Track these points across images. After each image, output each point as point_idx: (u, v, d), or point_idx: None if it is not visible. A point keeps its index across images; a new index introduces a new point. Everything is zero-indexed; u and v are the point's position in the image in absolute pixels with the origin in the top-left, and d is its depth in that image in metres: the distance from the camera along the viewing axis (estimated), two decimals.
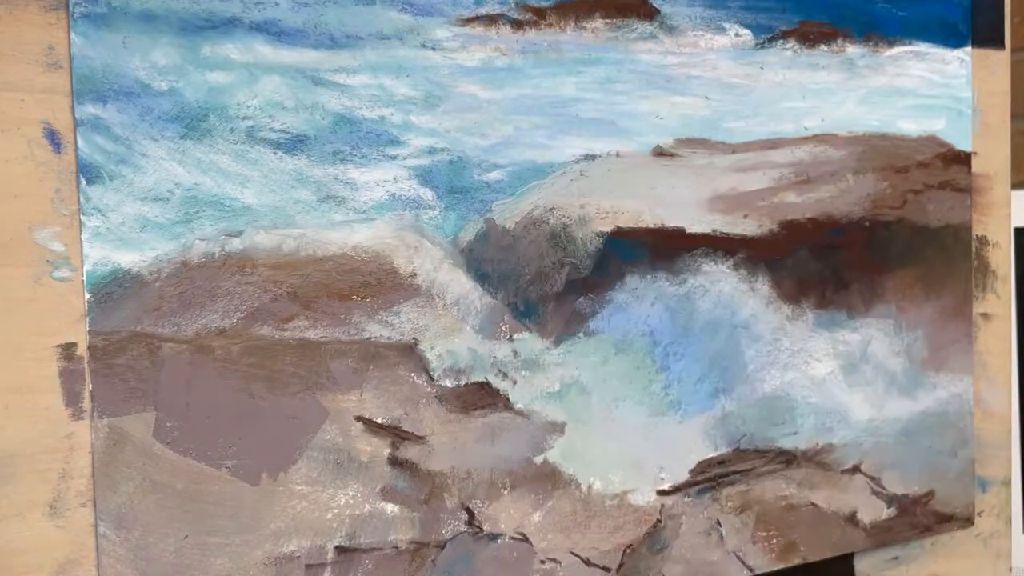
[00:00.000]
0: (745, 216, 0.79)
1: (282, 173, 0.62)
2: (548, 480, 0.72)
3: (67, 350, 0.57)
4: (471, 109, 0.68)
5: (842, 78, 0.83)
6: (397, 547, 0.67)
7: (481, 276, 0.69)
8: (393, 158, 0.65)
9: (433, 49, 0.67)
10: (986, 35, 0.92)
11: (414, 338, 0.67)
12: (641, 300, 0.75)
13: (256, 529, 0.62)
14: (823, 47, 0.82)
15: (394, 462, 0.67)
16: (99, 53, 0.57)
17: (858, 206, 0.85)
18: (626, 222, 0.74)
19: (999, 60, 0.93)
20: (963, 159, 0.91)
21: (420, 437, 0.67)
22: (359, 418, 0.65)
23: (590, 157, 0.72)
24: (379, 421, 0.66)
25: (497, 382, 0.70)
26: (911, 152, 0.87)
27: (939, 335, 0.90)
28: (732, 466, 0.80)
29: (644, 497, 0.76)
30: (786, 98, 0.81)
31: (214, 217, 0.60)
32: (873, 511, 0.87)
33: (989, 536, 0.96)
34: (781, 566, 0.83)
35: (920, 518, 0.90)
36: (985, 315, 0.94)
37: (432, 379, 0.67)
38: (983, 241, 0.94)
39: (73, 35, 0.56)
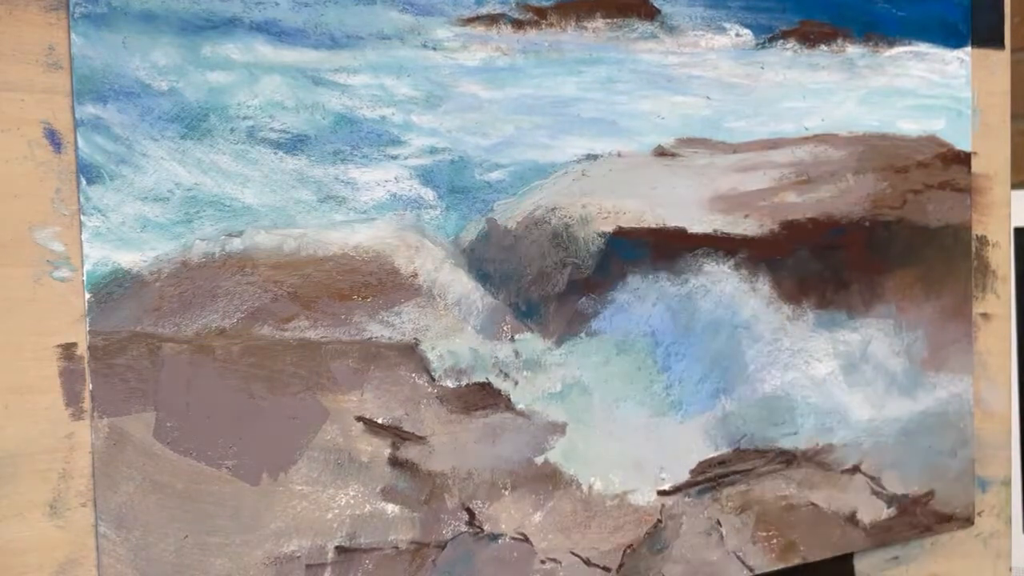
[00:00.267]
0: (746, 216, 0.79)
1: (283, 173, 0.62)
2: (549, 480, 0.72)
3: (67, 350, 0.57)
4: (472, 109, 0.68)
5: (842, 78, 0.83)
6: (397, 547, 0.67)
7: (482, 276, 0.69)
8: (394, 158, 0.65)
9: (434, 49, 0.66)
10: (986, 35, 0.92)
11: (415, 338, 0.67)
12: (643, 300, 0.75)
13: (256, 529, 0.62)
14: (823, 47, 0.82)
15: (395, 462, 0.67)
16: (99, 53, 0.57)
17: (858, 206, 0.85)
18: (628, 222, 0.74)
19: (999, 60, 0.93)
20: (963, 159, 0.91)
21: (421, 437, 0.67)
22: (360, 418, 0.65)
23: (591, 157, 0.72)
24: (380, 421, 0.66)
25: (498, 382, 0.70)
26: (911, 152, 0.87)
27: (939, 335, 0.90)
28: (732, 466, 0.80)
29: (644, 497, 0.76)
30: (786, 98, 0.81)
31: (214, 217, 0.60)
32: (873, 511, 0.87)
33: (989, 536, 0.96)
34: (781, 566, 0.83)
35: (920, 518, 0.90)
36: (985, 315, 0.94)
37: (433, 379, 0.67)
38: (983, 241, 0.94)
39: (73, 35, 0.56)
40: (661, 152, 0.75)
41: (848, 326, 0.85)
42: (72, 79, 0.56)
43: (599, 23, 0.72)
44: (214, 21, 0.60)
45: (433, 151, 0.67)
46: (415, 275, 0.67)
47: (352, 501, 0.65)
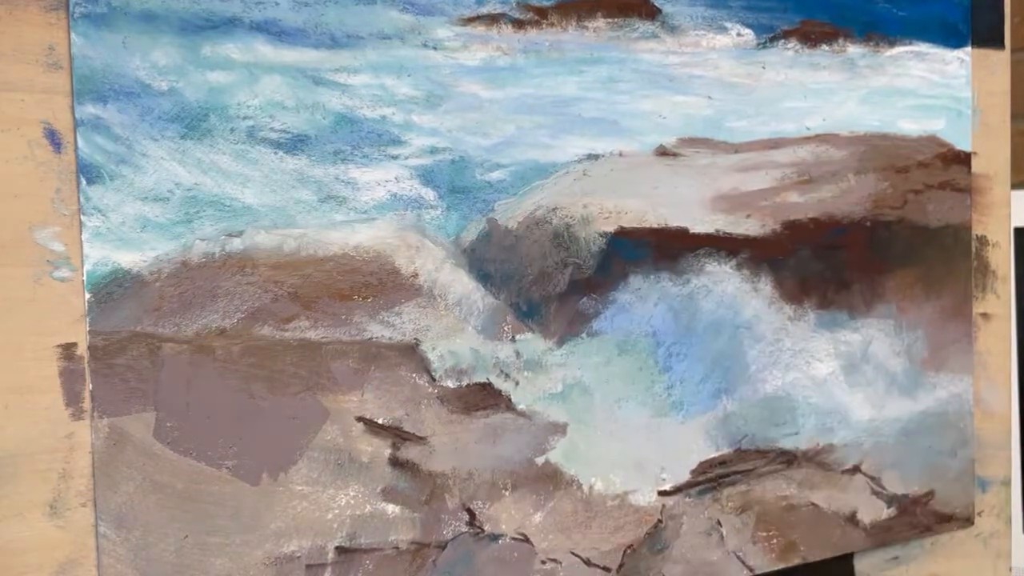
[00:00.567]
0: (748, 216, 0.79)
1: (283, 173, 0.62)
2: (549, 481, 0.72)
3: (67, 350, 0.57)
4: (473, 109, 0.68)
5: (843, 78, 0.83)
6: (398, 547, 0.67)
7: (483, 276, 0.69)
8: (395, 158, 0.65)
9: (434, 48, 0.66)
10: (986, 35, 0.92)
11: (416, 338, 0.67)
12: (644, 300, 0.75)
13: (256, 529, 0.62)
14: (824, 47, 0.82)
15: (395, 463, 0.66)
16: (99, 53, 0.57)
17: (859, 206, 0.85)
18: (629, 222, 0.74)
19: (999, 60, 0.93)
20: (963, 159, 0.91)
21: (421, 438, 0.67)
22: (360, 419, 0.65)
23: (593, 157, 0.72)
24: (380, 422, 0.66)
25: (499, 383, 0.70)
26: (911, 152, 0.87)
27: (939, 335, 0.90)
28: (733, 466, 0.80)
29: (645, 497, 0.76)
30: (788, 98, 0.80)
31: (214, 217, 0.60)
32: (873, 511, 0.87)
33: (989, 536, 0.96)
34: (781, 566, 0.83)
35: (920, 518, 0.90)
36: (985, 315, 0.94)
37: (434, 380, 0.67)
38: (983, 241, 0.94)
39: (73, 35, 0.56)
40: (663, 152, 0.75)
41: (849, 326, 0.85)
42: (72, 79, 0.56)
43: (600, 23, 0.72)
44: (214, 21, 0.60)
45: (434, 151, 0.67)
46: (416, 275, 0.66)
47: (352, 501, 0.65)
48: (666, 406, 0.76)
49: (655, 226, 0.75)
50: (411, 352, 0.67)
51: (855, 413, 0.86)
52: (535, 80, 0.70)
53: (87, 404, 0.57)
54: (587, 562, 0.74)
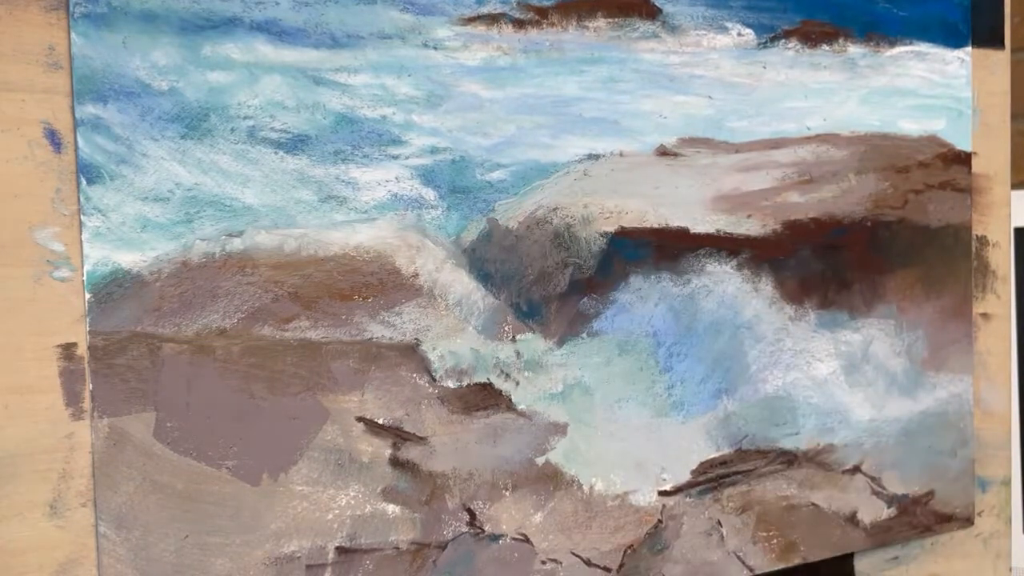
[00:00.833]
0: (749, 216, 0.79)
1: (283, 173, 0.62)
2: (550, 481, 0.72)
3: (67, 350, 0.57)
4: (473, 108, 0.68)
5: (844, 78, 0.83)
6: (398, 548, 0.67)
7: (484, 276, 0.69)
8: (395, 158, 0.65)
9: (435, 48, 0.66)
10: (986, 35, 0.92)
11: (416, 339, 0.67)
12: (645, 300, 0.75)
13: (256, 529, 0.62)
14: (825, 47, 0.82)
15: (395, 463, 0.66)
16: (99, 53, 0.57)
17: (860, 206, 0.85)
18: (630, 222, 0.74)
19: (999, 60, 0.93)
20: (963, 159, 0.91)
21: (422, 438, 0.67)
22: (360, 419, 0.65)
23: (593, 156, 0.72)
24: (380, 422, 0.66)
25: (499, 383, 0.70)
26: (912, 152, 0.87)
27: (939, 335, 0.90)
28: (734, 466, 0.80)
29: (645, 498, 0.76)
30: (788, 97, 0.80)
31: (215, 217, 0.60)
32: (873, 511, 0.87)
33: (989, 536, 0.96)
34: (781, 566, 0.83)
35: (920, 518, 0.90)
36: (985, 315, 0.94)
37: (434, 380, 0.67)
38: (983, 241, 0.94)
39: (73, 35, 0.56)
40: (663, 152, 0.75)
41: (850, 326, 0.85)
42: (72, 79, 0.56)
43: (600, 22, 0.72)
44: (214, 21, 0.60)
45: (434, 151, 0.67)
46: (416, 275, 0.66)
47: (353, 501, 0.65)
48: (667, 406, 0.76)
49: (656, 226, 0.75)
50: (411, 352, 0.66)
51: (855, 413, 0.86)
52: (536, 80, 0.70)
53: (87, 404, 0.57)
54: (587, 562, 0.74)
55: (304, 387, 0.63)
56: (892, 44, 0.86)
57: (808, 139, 0.82)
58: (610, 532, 0.74)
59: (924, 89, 0.88)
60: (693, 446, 0.78)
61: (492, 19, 0.68)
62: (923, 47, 0.87)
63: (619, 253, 0.74)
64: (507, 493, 0.70)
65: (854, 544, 0.87)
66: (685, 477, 0.78)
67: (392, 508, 0.66)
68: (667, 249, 0.75)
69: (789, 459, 0.82)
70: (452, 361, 0.68)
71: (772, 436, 0.81)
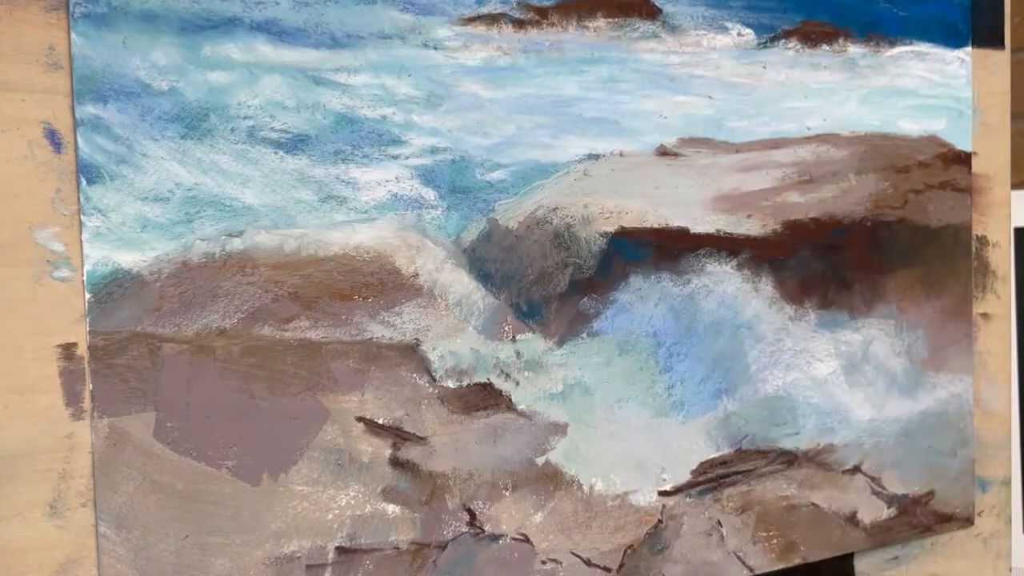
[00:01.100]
0: (749, 216, 0.79)
1: (283, 173, 0.62)
2: (550, 481, 0.72)
3: (67, 350, 0.57)
4: (473, 108, 0.68)
5: (844, 78, 0.83)
6: (398, 548, 0.67)
7: (484, 276, 0.69)
8: (395, 158, 0.65)
9: (435, 48, 0.66)
10: (986, 35, 0.92)
11: (416, 339, 0.67)
12: (645, 300, 0.75)
13: (256, 529, 0.62)
14: (825, 47, 0.82)
15: (395, 463, 0.66)
16: (99, 53, 0.57)
17: (860, 206, 0.85)
18: (630, 222, 0.74)
19: (999, 60, 0.93)
20: (963, 159, 0.91)
21: (422, 438, 0.67)
22: (360, 419, 0.65)
23: (593, 156, 0.72)
24: (380, 422, 0.66)
25: (499, 383, 0.70)
26: (912, 152, 0.87)
27: (939, 335, 0.90)
28: (734, 466, 0.80)
29: (645, 498, 0.76)
30: (788, 97, 0.80)
31: (215, 217, 0.60)
32: (873, 511, 0.87)
33: (989, 536, 0.96)
34: (781, 566, 0.83)
35: (920, 518, 0.90)
36: (985, 315, 0.94)
37: (434, 380, 0.67)
38: (983, 241, 0.94)
39: (73, 35, 0.56)
40: (663, 152, 0.75)
41: (850, 326, 0.85)
42: (72, 79, 0.56)
43: (600, 22, 0.72)
44: (214, 21, 0.60)
45: (434, 151, 0.67)
46: (416, 275, 0.66)
47: (353, 501, 0.65)
48: (667, 406, 0.76)
49: (656, 226, 0.75)
50: (411, 352, 0.66)
51: (855, 413, 0.86)
52: (536, 80, 0.70)
53: (87, 404, 0.57)
54: (587, 562, 0.74)
55: (304, 387, 0.63)
56: (892, 44, 0.86)
57: (808, 139, 0.82)
58: (610, 532, 0.74)
59: (924, 89, 0.88)
60: (693, 446, 0.78)
61: (492, 19, 0.68)
62: (923, 47, 0.87)
63: (619, 253, 0.74)
64: (507, 493, 0.70)
65: (854, 544, 0.87)
66: (685, 477, 0.78)
67: (392, 508, 0.66)
68: (667, 249, 0.75)
69: (789, 459, 0.82)
70: (452, 361, 0.68)
71: (772, 436, 0.81)
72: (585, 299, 0.72)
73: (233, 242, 0.61)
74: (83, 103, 0.56)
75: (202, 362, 0.60)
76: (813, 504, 0.84)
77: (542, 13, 0.70)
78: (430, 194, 0.67)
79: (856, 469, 0.86)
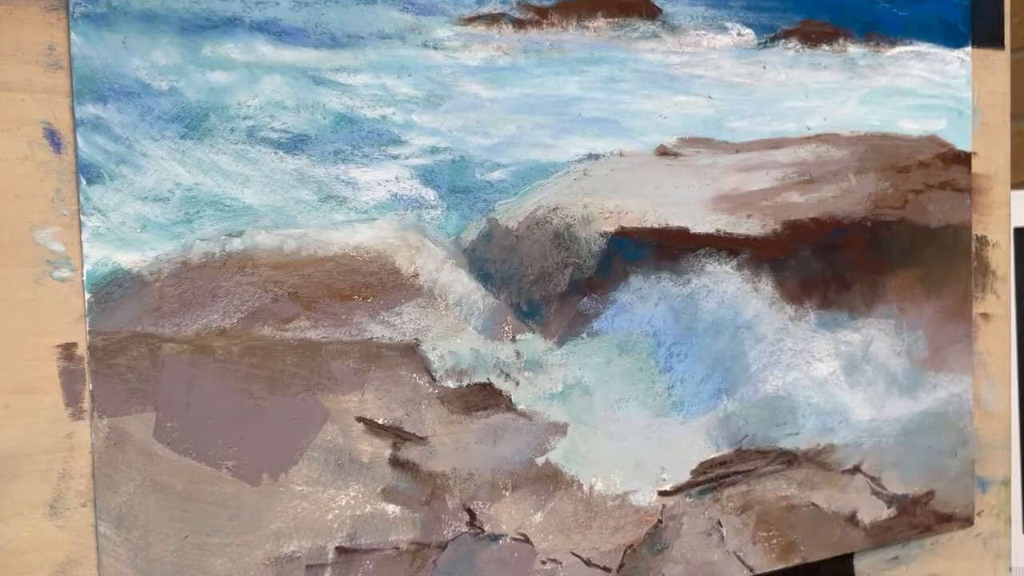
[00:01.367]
0: (749, 216, 0.79)
1: (283, 173, 0.62)
2: (550, 481, 0.72)
3: (67, 350, 0.57)
4: (473, 108, 0.68)
5: (844, 78, 0.83)
6: (398, 548, 0.67)
7: (484, 276, 0.69)
8: (395, 158, 0.65)
9: (435, 48, 0.66)
10: (986, 35, 0.92)
11: (416, 339, 0.67)
12: (645, 300, 0.75)
13: (256, 529, 0.62)
14: (825, 47, 0.82)
15: (395, 463, 0.66)
16: (99, 53, 0.57)
17: (860, 206, 0.85)
18: (630, 222, 0.74)
19: (999, 60, 0.93)
20: (963, 159, 0.91)
21: (422, 438, 0.67)
22: (360, 419, 0.65)
23: (593, 156, 0.72)
24: (380, 422, 0.66)
25: (499, 383, 0.70)
26: (912, 152, 0.87)
27: (939, 335, 0.90)
28: (734, 467, 0.80)
29: (645, 498, 0.76)
30: (789, 97, 0.80)
31: (215, 217, 0.60)
32: (873, 511, 0.87)
33: (989, 536, 0.96)
34: (781, 566, 0.83)
35: (920, 518, 0.90)
36: (985, 315, 0.94)
37: (434, 380, 0.67)
38: (983, 241, 0.94)
39: (73, 35, 0.56)
40: (663, 152, 0.75)
41: (850, 326, 0.85)
42: (72, 79, 0.56)
43: (600, 22, 0.72)
44: (214, 21, 0.60)
45: (434, 151, 0.67)
46: (416, 275, 0.66)
47: (353, 502, 0.65)
48: (666, 406, 0.76)
49: (656, 226, 0.75)
50: (411, 352, 0.66)
51: (855, 413, 0.86)
52: (536, 80, 0.70)
53: (87, 404, 0.57)
54: (587, 562, 0.74)
55: (304, 387, 0.63)
56: (892, 44, 0.86)
57: (808, 139, 0.82)
58: (610, 532, 0.74)
59: (924, 89, 0.88)
60: (693, 446, 0.78)
61: (492, 19, 0.68)
62: (923, 47, 0.87)
63: (619, 253, 0.74)
64: (507, 493, 0.70)
65: (854, 544, 0.87)
66: (685, 477, 0.78)
67: (392, 508, 0.66)
68: (667, 249, 0.75)
69: (789, 459, 0.82)
70: (452, 361, 0.68)
71: (772, 436, 0.81)
72: (585, 299, 0.72)
73: (233, 242, 0.61)
74: (83, 103, 0.56)
75: (202, 362, 0.60)
76: (813, 504, 0.84)
77: (542, 13, 0.70)
78: (430, 194, 0.67)
79: (856, 469, 0.86)
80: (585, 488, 0.73)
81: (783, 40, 0.80)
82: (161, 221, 0.59)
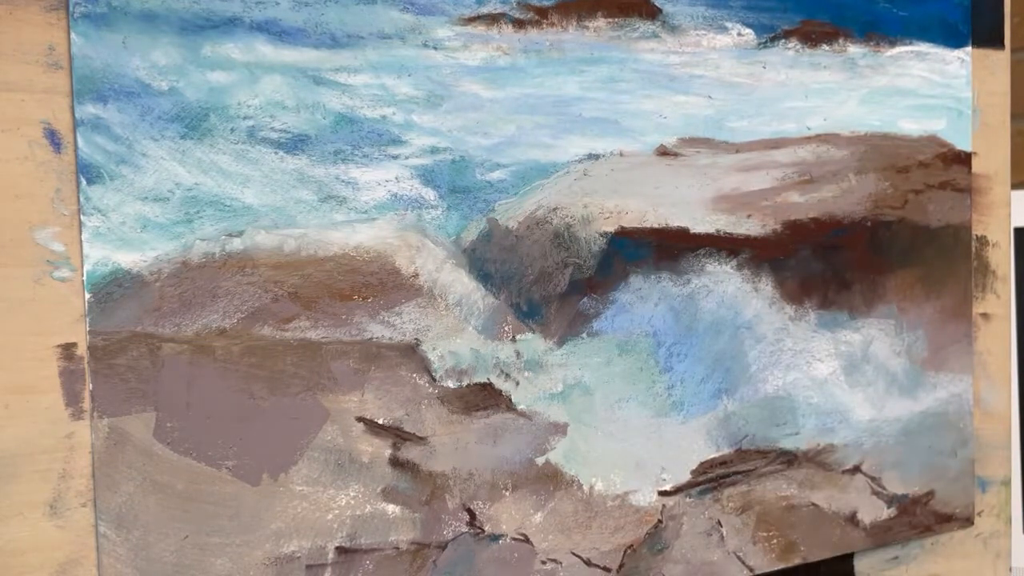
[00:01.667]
0: (749, 216, 0.79)
1: (283, 173, 0.62)
2: (550, 481, 0.72)
3: (67, 350, 0.57)
4: (473, 108, 0.68)
5: (844, 78, 0.83)
6: (398, 548, 0.67)
7: (484, 276, 0.69)
8: (395, 158, 0.65)
9: (435, 48, 0.66)
10: (986, 35, 0.92)
11: (416, 339, 0.67)
12: (645, 300, 0.75)
13: (256, 529, 0.62)
14: (825, 47, 0.82)
15: (395, 463, 0.66)
16: (99, 53, 0.57)
17: (860, 206, 0.85)
18: (630, 222, 0.74)
19: (999, 60, 0.93)
20: (963, 159, 0.91)
21: (421, 438, 0.67)
22: (360, 419, 0.65)
23: (593, 156, 0.72)
24: (380, 422, 0.66)
25: (499, 383, 0.70)
26: (912, 152, 0.87)
27: (939, 335, 0.90)
28: (734, 467, 0.80)
29: (645, 498, 0.76)
30: (789, 97, 0.80)
31: (215, 217, 0.60)
32: (873, 511, 0.87)
33: (989, 536, 0.96)
34: (781, 566, 0.83)
35: (920, 518, 0.90)
36: (985, 315, 0.94)
37: (434, 380, 0.67)
38: (983, 241, 0.94)
39: (73, 35, 0.56)
40: (663, 152, 0.75)
41: (850, 326, 0.85)
42: (72, 79, 0.56)
43: (600, 22, 0.72)
44: (214, 21, 0.60)
45: (434, 151, 0.67)
46: (416, 275, 0.66)
47: (353, 502, 0.65)
48: (667, 406, 0.76)
49: (656, 226, 0.75)
50: (411, 352, 0.66)
51: (855, 413, 0.86)
52: (536, 80, 0.70)
53: (87, 404, 0.57)
54: (587, 562, 0.74)
55: (304, 387, 0.63)
56: (892, 44, 0.86)
57: (808, 139, 0.82)
58: (610, 532, 0.74)
59: (924, 89, 0.88)
60: (693, 446, 0.78)
61: (492, 19, 0.68)
62: (923, 47, 0.87)
63: (619, 253, 0.74)
64: (507, 493, 0.70)
65: (854, 544, 0.87)
66: (685, 477, 0.78)
67: (392, 508, 0.66)
68: (667, 249, 0.75)
69: (789, 459, 0.82)
70: (452, 361, 0.68)
71: (772, 436, 0.81)
72: (585, 299, 0.72)
73: (233, 242, 0.61)
74: (83, 103, 0.56)
75: (202, 362, 0.60)
76: (813, 504, 0.84)
77: (542, 13, 0.70)
78: (430, 194, 0.67)
79: (856, 469, 0.86)
80: (585, 488, 0.73)
81: (783, 40, 0.80)
82: (161, 221, 0.59)
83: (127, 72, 0.57)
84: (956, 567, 0.94)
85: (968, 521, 0.93)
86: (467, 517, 0.69)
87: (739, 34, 0.78)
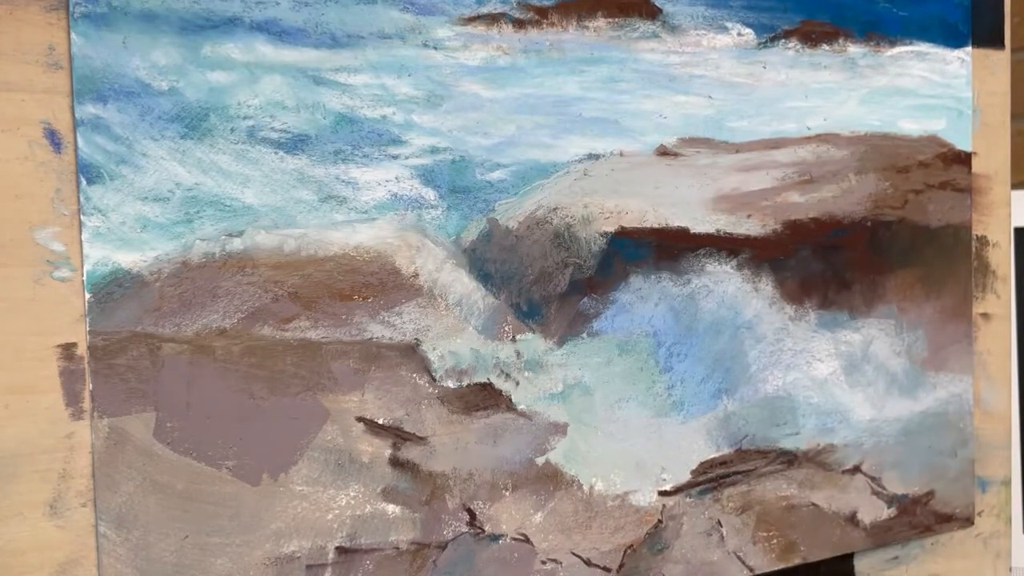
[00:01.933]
0: (749, 216, 0.79)
1: (283, 173, 0.62)
2: (550, 481, 0.72)
3: (67, 350, 0.57)
4: (473, 108, 0.68)
5: (844, 78, 0.83)
6: (398, 548, 0.67)
7: (484, 276, 0.69)
8: (395, 158, 0.65)
9: (435, 48, 0.66)
10: (986, 35, 0.92)
11: (416, 339, 0.67)
12: (645, 300, 0.75)
13: (256, 529, 0.62)
14: (825, 47, 0.82)
15: (395, 463, 0.66)
16: (99, 53, 0.57)
17: (860, 206, 0.85)
18: (630, 222, 0.74)
19: (999, 60, 0.93)
20: (963, 159, 0.91)
21: (422, 438, 0.67)
22: (360, 419, 0.65)
23: (593, 156, 0.72)
24: (380, 422, 0.66)
25: (499, 383, 0.70)
26: (912, 152, 0.87)
27: (939, 335, 0.90)
28: (734, 467, 0.80)
29: (645, 498, 0.76)
30: (789, 97, 0.80)
31: (215, 217, 0.60)
32: (873, 511, 0.87)
33: (989, 536, 0.96)
34: (781, 566, 0.83)
35: (920, 518, 0.90)
36: (985, 315, 0.94)
37: (434, 380, 0.67)
38: (983, 241, 0.94)
39: (73, 35, 0.56)
40: (663, 152, 0.75)
41: (850, 326, 0.85)
42: (72, 79, 0.56)
43: (600, 22, 0.72)
44: (214, 21, 0.60)
45: (434, 151, 0.67)
46: (416, 275, 0.66)
47: (353, 501, 0.65)
48: (667, 406, 0.76)
49: (656, 226, 0.75)
50: (411, 352, 0.66)
51: (855, 413, 0.86)
52: (536, 80, 0.70)
53: (87, 404, 0.57)
54: (587, 562, 0.74)
55: (304, 387, 0.63)
56: (892, 44, 0.86)
57: (808, 139, 0.82)
58: (610, 532, 0.74)
59: (924, 89, 0.88)
60: (693, 446, 0.78)
61: (492, 19, 0.68)
62: (923, 47, 0.87)
63: (619, 253, 0.74)
64: (507, 493, 0.70)
65: (854, 544, 0.87)
66: (685, 477, 0.78)
67: (392, 508, 0.66)
68: (667, 249, 0.75)
69: (789, 459, 0.82)
70: (452, 361, 0.68)
71: (772, 436, 0.81)
72: (585, 299, 0.72)
73: (233, 242, 0.61)
74: (83, 103, 0.56)
75: (202, 362, 0.60)
76: (813, 504, 0.84)
77: (542, 13, 0.70)
78: (430, 194, 0.67)
79: (856, 469, 0.86)
80: (585, 488, 0.73)
81: (783, 40, 0.80)
82: (161, 221, 0.59)
83: (127, 72, 0.57)
84: (956, 567, 0.94)
85: (968, 521, 0.93)
86: (467, 517, 0.69)
87: (739, 34, 0.78)
